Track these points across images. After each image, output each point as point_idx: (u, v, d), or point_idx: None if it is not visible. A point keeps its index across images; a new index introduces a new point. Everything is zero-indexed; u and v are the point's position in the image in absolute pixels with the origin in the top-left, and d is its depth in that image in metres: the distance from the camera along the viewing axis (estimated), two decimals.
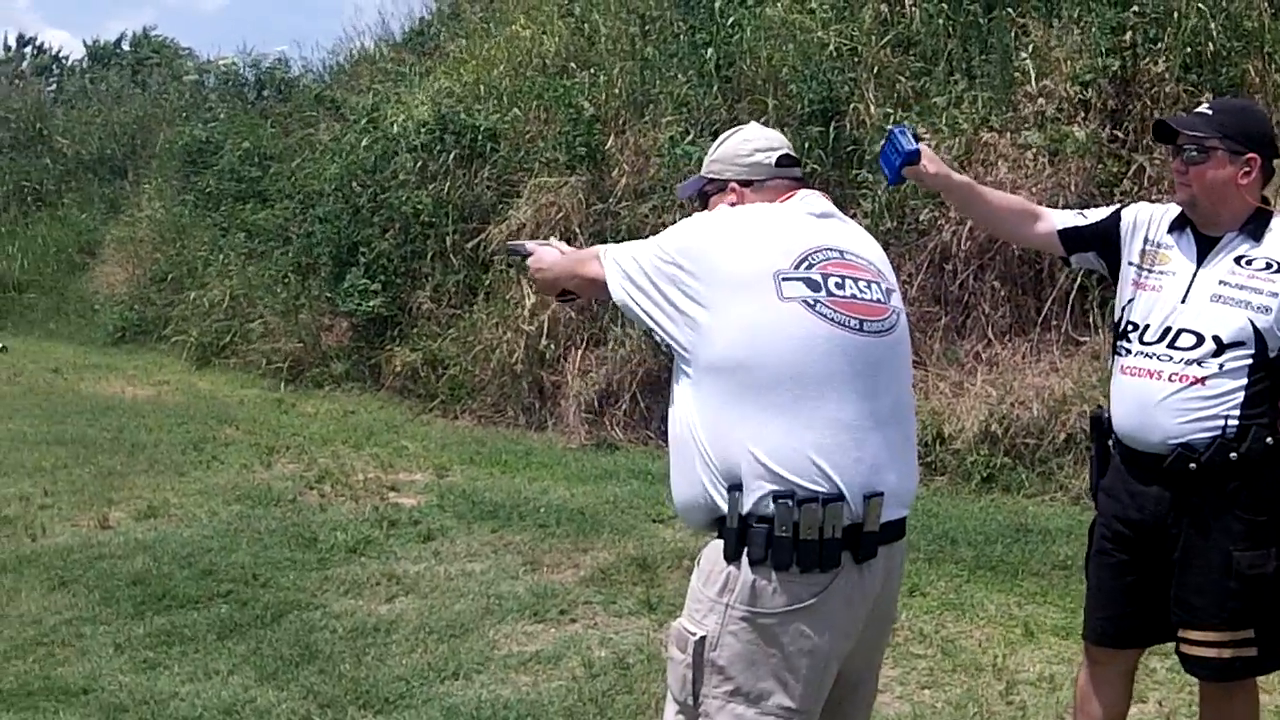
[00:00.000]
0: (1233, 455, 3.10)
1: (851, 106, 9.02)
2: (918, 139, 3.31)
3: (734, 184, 2.85)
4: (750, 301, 2.58)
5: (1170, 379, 3.15)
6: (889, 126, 3.45)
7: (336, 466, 8.19)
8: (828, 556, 2.53)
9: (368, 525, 6.77)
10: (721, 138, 2.96)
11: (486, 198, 10.95)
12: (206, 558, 6.21)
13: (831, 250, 2.71)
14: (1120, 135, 7.99)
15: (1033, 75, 8.24)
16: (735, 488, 2.53)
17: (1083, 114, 8.08)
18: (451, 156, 11.15)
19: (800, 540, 2.50)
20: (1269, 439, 3.11)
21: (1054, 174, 7.97)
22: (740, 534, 2.54)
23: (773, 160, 2.85)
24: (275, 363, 12.19)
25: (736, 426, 2.55)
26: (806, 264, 2.65)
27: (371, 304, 11.18)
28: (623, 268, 2.73)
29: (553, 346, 9.79)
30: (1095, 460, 3.46)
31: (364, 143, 12.03)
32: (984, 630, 5.12)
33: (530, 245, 3.12)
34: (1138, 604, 3.34)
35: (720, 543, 2.59)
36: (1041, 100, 8.23)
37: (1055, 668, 4.65)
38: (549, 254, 3.04)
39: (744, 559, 2.54)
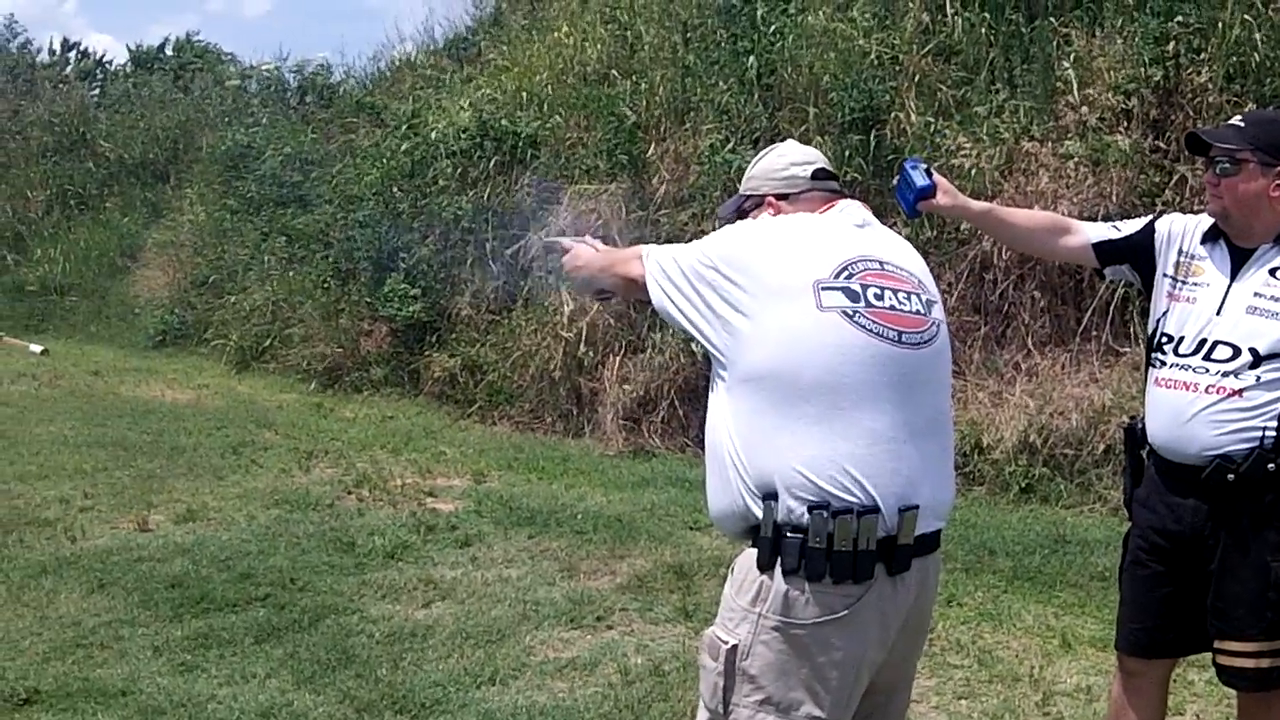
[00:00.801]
0: (1270, 466, 3.09)
1: (892, 115, 9.01)
2: (930, 174, 3.33)
3: (770, 198, 2.88)
4: (789, 310, 2.58)
5: (1207, 391, 3.14)
6: (903, 160, 3.45)
7: (374, 471, 8.23)
8: (861, 568, 2.53)
9: (405, 530, 6.79)
10: (758, 156, 3.00)
11: (526, 204, 10.99)
12: (244, 561, 6.25)
13: (871, 261, 2.70)
14: (1162, 145, 7.94)
15: (1075, 84, 8.20)
16: (770, 496, 2.53)
17: (1125, 124, 8.03)
18: (492, 163, 11.20)
19: (834, 551, 2.50)
20: None
21: (1095, 184, 7.92)
22: (774, 543, 2.54)
23: (808, 174, 2.88)
24: (314, 367, 12.27)
25: (772, 435, 2.55)
26: (846, 274, 2.64)
27: (411, 309, 11.22)
28: (665, 270, 2.74)
29: (591, 353, 9.80)
30: (1129, 471, 3.45)
31: (403, 148, 12.09)
32: (1021, 641, 5.09)
33: (567, 242, 3.13)
34: (1172, 615, 3.33)
35: (754, 552, 2.59)
36: (1084, 109, 8.19)
37: (1093, 679, 4.62)
38: (586, 251, 3.05)
39: (777, 569, 2.54)
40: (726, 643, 2.60)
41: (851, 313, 2.60)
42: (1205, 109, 7.76)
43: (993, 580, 5.82)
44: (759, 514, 2.55)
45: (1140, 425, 3.37)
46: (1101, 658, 4.77)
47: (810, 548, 2.50)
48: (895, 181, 3.40)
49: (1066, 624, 5.25)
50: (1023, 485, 7.30)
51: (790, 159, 2.91)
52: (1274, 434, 3.09)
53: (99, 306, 16.55)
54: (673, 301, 2.72)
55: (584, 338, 9.81)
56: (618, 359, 9.66)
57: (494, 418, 10.39)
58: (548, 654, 5.05)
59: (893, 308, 2.66)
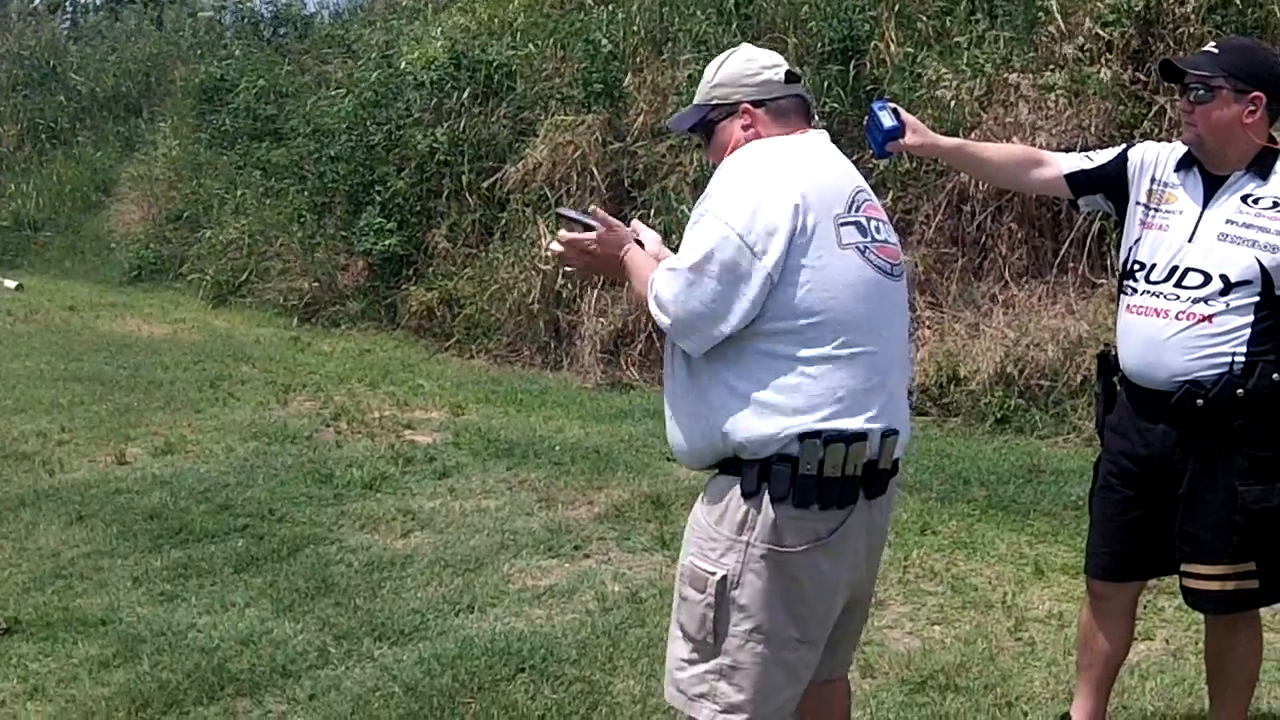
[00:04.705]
0: (1239, 392, 3.12)
1: (872, 45, 8.94)
2: (898, 114, 3.31)
3: (746, 105, 2.75)
4: (813, 250, 2.56)
5: (1178, 317, 3.16)
6: (871, 102, 3.44)
7: (352, 404, 8.23)
8: (847, 493, 2.57)
9: (384, 462, 6.81)
10: (716, 62, 2.83)
11: (502, 136, 10.91)
12: (223, 493, 6.27)
13: (863, 191, 2.73)
14: (1142, 77, 7.90)
15: (1056, 14, 8.14)
16: (757, 425, 2.55)
17: (1106, 55, 7.99)
18: (466, 94, 11.10)
19: (824, 478, 2.53)
20: (1275, 375, 3.12)
21: (1075, 116, 7.89)
22: (762, 471, 2.55)
23: (780, 77, 2.77)
24: (291, 301, 12.22)
25: (770, 368, 2.55)
26: (854, 205, 2.66)
27: (387, 243, 11.16)
28: (695, 315, 2.57)
29: (569, 286, 9.78)
30: (1102, 398, 3.48)
31: (374, 78, 11.96)
32: (994, 568, 5.15)
33: (598, 221, 2.80)
34: (1141, 539, 3.37)
35: (732, 479, 2.60)
36: (1063, 41, 8.14)
37: (1064, 605, 4.68)
38: (616, 242, 2.80)
39: (764, 496, 2.56)
40: (714, 573, 2.61)
41: (864, 249, 2.63)
42: (1187, 39, 7.70)
43: (967, 509, 5.87)
44: (749, 445, 2.55)
45: (1113, 352, 3.40)
46: (1073, 585, 4.83)
47: (801, 475, 2.52)
48: (865, 122, 3.39)
49: (1039, 552, 5.30)
50: (998, 416, 7.34)
51: (761, 62, 2.78)
52: (1243, 360, 3.11)
53: (73, 241, 16.40)
54: (716, 332, 2.58)
55: (562, 271, 9.77)
56: (596, 292, 9.63)
57: (471, 351, 10.37)
58: (525, 582, 5.09)
59: (885, 241, 2.70)
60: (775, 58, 2.81)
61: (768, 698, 2.65)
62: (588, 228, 2.79)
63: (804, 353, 2.54)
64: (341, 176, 11.78)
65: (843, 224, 2.61)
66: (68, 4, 24.41)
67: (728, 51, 2.87)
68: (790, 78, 2.78)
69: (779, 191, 2.57)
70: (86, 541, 5.59)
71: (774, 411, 2.53)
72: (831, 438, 2.52)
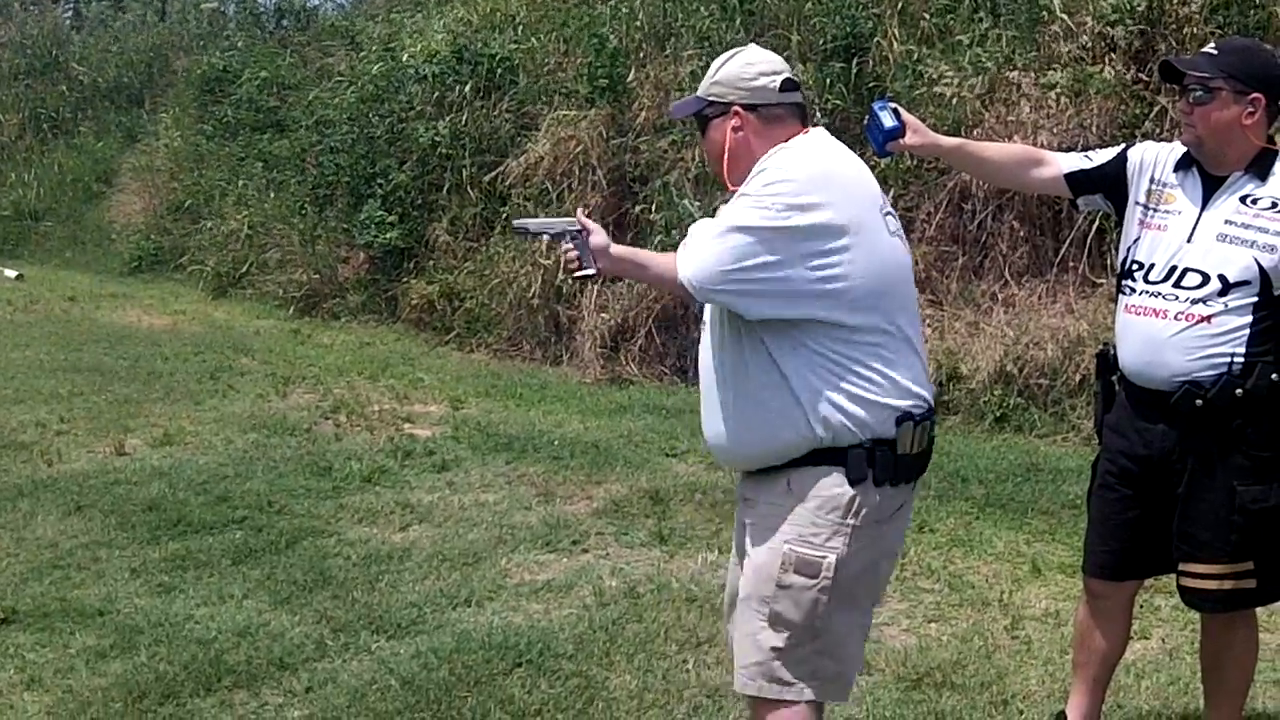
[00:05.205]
0: (1238, 392, 3.12)
1: (875, 43, 8.94)
2: (899, 114, 3.32)
3: (738, 108, 2.79)
4: (872, 241, 2.68)
5: (1177, 317, 3.17)
6: (873, 101, 3.44)
7: (352, 397, 8.23)
8: (916, 467, 2.79)
9: (383, 455, 6.82)
10: (721, 59, 2.87)
11: (504, 130, 10.90)
12: (222, 485, 6.27)
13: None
14: (1144, 77, 7.89)
15: (1058, 13, 8.14)
16: (859, 415, 2.67)
17: (1108, 54, 7.98)
18: (468, 87, 11.09)
19: (902, 455, 2.72)
20: (1274, 375, 3.13)
21: (1076, 115, 7.88)
22: (869, 457, 2.68)
23: (776, 85, 2.80)
24: (292, 293, 12.23)
25: (854, 355, 2.67)
26: (883, 198, 2.82)
27: (388, 236, 11.17)
28: (753, 289, 2.64)
29: (569, 281, 9.77)
30: (1101, 397, 3.48)
31: (375, 70, 11.95)
32: (991, 566, 5.15)
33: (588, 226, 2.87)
34: (1138, 538, 3.38)
35: (828, 469, 2.69)
36: (1066, 40, 8.14)
37: (1061, 604, 4.68)
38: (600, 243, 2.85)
39: (869, 480, 2.69)
40: (825, 558, 2.70)
41: (901, 235, 2.81)
42: (1189, 39, 7.69)
43: (965, 507, 5.87)
44: (858, 432, 2.67)
45: (1112, 351, 3.40)
46: (1071, 583, 4.83)
47: (900, 456, 2.71)
48: (865, 122, 3.39)
49: (1037, 550, 5.30)
50: (997, 414, 7.33)
51: (759, 68, 2.81)
52: (1242, 360, 3.12)
53: (74, 232, 16.43)
54: (767, 300, 2.65)
55: (562, 265, 9.74)
56: (596, 287, 9.63)
57: (472, 345, 10.38)
58: (523, 576, 5.09)
59: (900, 230, 2.86)
60: (776, 64, 2.84)
61: (856, 659, 2.87)
62: (574, 235, 2.82)
63: (878, 338, 2.68)
64: (343, 169, 11.79)
65: (886, 214, 2.78)
66: None
67: (733, 50, 2.90)
68: (787, 85, 2.81)
69: (835, 185, 2.69)
70: (85, 532, 5.59)
71: (873, 396, 2.68)
72: (918, 417, 2.71)
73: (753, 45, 2.98)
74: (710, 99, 2.84)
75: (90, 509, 5.91)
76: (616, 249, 2.85)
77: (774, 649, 2.74)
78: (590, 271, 2.83)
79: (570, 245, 2.83)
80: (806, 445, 2.70)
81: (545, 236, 2.91)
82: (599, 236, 2.83)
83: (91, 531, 5.61)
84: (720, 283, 2.62)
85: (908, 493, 2.81)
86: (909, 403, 2.71)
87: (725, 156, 2.79)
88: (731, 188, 2.76)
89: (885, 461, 2.69)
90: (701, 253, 2.64)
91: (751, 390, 2.72)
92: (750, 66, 2.82)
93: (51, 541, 5.48)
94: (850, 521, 2.70)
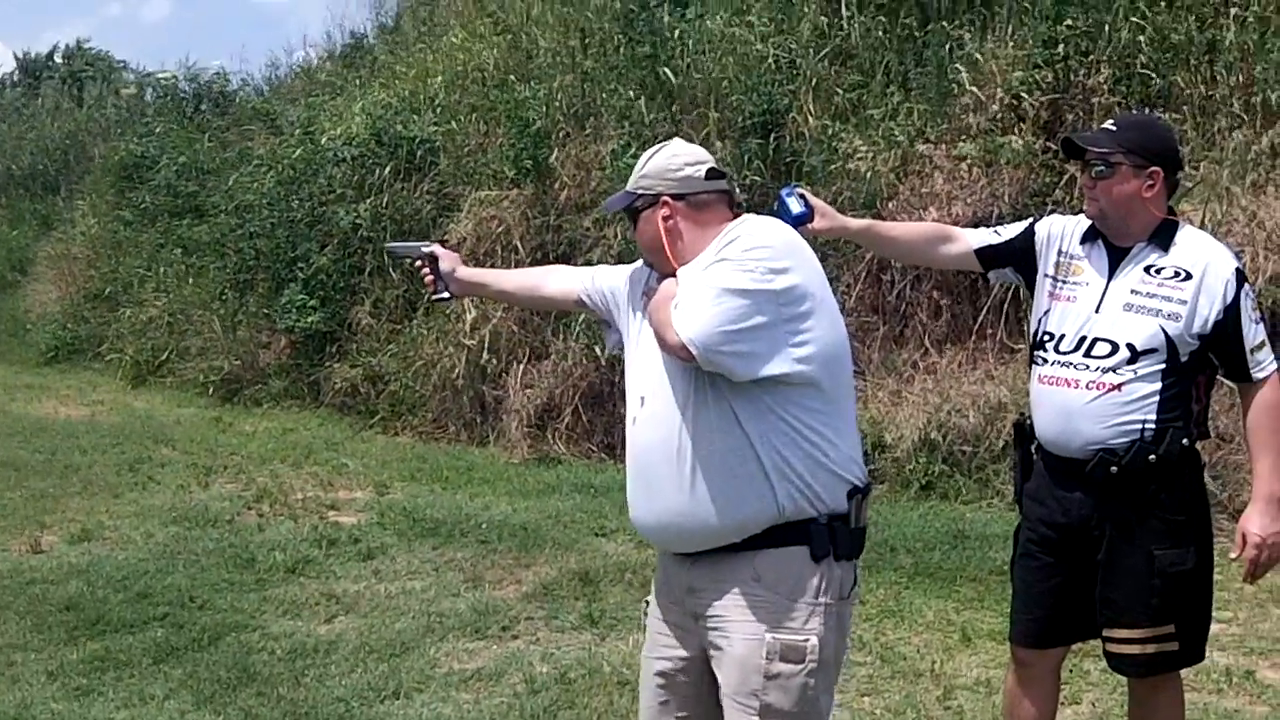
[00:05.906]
0: (1151, 458, 3.18)
1: (790, 118, 9.08)
2: (806, 200, 3.37)
3: (666, 197, 2.86)
4: (827, 310, 2.74)
5: (1088, 386, 3.22)
6: (780, 189, 3.51)
7: (275, 485, 8.12)
8: (864, 543, 2.80)
9: (307, 545, 6.71)
10: (647, 155, 2.96)
11: (426, 211, 10.91)
12: (142, 580, 6.13)
13: None
14: (1053, 146, 8.07)
15: (968, 86, 8.33)
16: (815, 488, 2.68)
17: (1018, 125, 8.17)
18: (388, 169, 11.10)
19: (855, 529, 2.75)
20: (1185, 441, 3.20)
21: (988, 185, 8.05)
22: (830, 533, 2.69)
23: (701, 173, 2.88)
24: (213, 380, 12.08)
25: (817, 426, 2.69)
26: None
27: (310, 320, 11.09)
28: (735, 350, 2.63)
29: (494, 360, 9.75)
30: (1019, 466, 3.53)
31: (296, 154, 11.94)
32: (922, 636, 5.16)
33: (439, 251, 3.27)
34: (1062, 605, 3.41)
35: (791, 549, 2.69)
36: (976, 112, 8.32)
37: (992, 672, 4.69)
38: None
39: (829, 556, 2.70)
40: (808, 639, 2.69)
41: (842, 309, 2.84)
42: (1095, 110, 7.91)
43: (894, 577, 5.89)
44: (811, 508, 2.67)
45: (1029, 421, 3.45)
46: (1001, 651, 4.83)
47: (855, 530, 2.74)
48: (775, 208, 3.43)
49: (966, 618, 5.33)
50: (923, 482, 7.39)
51: (684, 159, 2.89)
52: (1153, 426, 3.17)
53: None
54: (747, 360, 2.65)
55: (487, 345, 9.75)
56: (521, 366, 9.62)
57: (397, 428, 10.30)
58: (453, 665, 5.01)
59: None
60: (699, 154, 2.92)
61: None
62: (432, 257, 3.22)
63: (829, 407, 2.71)
64: (263, 253, 11.73)
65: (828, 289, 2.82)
66: None
67: (659, 145, 2.99)
68: (712, 174, 2.89)
69: (799, 254, 2.75)
70: None
71: (829, 464, 2.69)
72: (865, 491, 2.75)
73: (676, 139, 3.07)
74: (639, 191, 2.91)
75: (4, 610, 5.75)
76: (463, 271, 3.27)
77: None
78: (445, 295, 3.25)
79: (427, 270, 3.23)
80: (768, 519, 2.67)
81: (408, 260, 3.32)
82: (447, 262, 3.24)
83: (6, 634, 5.45)
84: (723, 343, 2.61)
85: (856, 569, 2.82)
86: (854, 475, 2.73)
87: (665, 240, 2.84)
88: (676, 267, 2.80)
89: (843, 535, 2.71)
90: (702, 315, 2.63)
91: (716, 459, 2.70)
92: (675, 158, 2.90)
93: None
94: (822, 600, 2.70)
